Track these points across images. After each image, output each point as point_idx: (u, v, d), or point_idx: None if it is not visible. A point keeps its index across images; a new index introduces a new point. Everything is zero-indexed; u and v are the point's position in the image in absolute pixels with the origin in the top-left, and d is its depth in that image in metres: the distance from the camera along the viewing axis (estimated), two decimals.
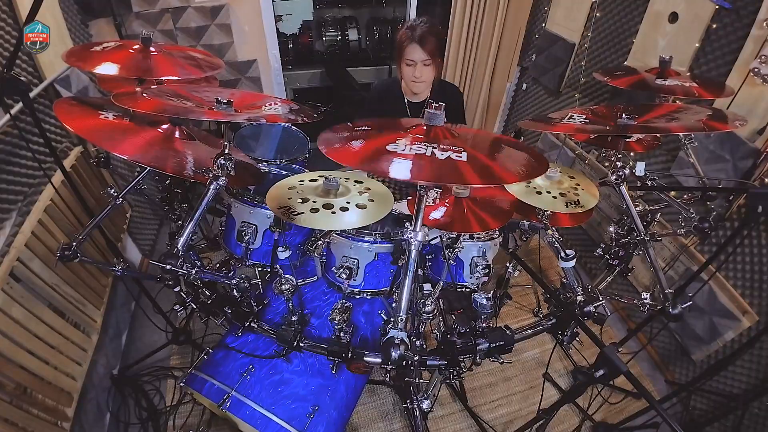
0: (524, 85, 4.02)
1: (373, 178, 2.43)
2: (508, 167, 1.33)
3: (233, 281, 1.79)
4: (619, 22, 2.87)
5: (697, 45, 2.34)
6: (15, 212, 1.96)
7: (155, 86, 1.74)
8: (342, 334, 1.70)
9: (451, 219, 1.78)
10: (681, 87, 1.94)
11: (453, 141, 1.35)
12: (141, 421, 2.38)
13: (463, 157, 1.24)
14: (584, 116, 1.74)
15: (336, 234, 1.82)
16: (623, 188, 1.70)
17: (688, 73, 2.15)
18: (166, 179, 2.16)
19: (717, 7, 2.20)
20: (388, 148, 1.27)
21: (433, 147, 1.28)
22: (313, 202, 1.55)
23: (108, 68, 1.69)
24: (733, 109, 2.14)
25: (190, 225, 1.47)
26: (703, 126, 1.55)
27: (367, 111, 2.63)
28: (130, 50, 1.81)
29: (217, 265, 2.01)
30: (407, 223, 1.32)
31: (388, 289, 1.91)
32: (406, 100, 2.52)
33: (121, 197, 1.81)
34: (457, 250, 1.85)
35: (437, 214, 1.80)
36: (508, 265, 2.20)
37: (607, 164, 1.87)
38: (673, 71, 2.06)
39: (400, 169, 1.18)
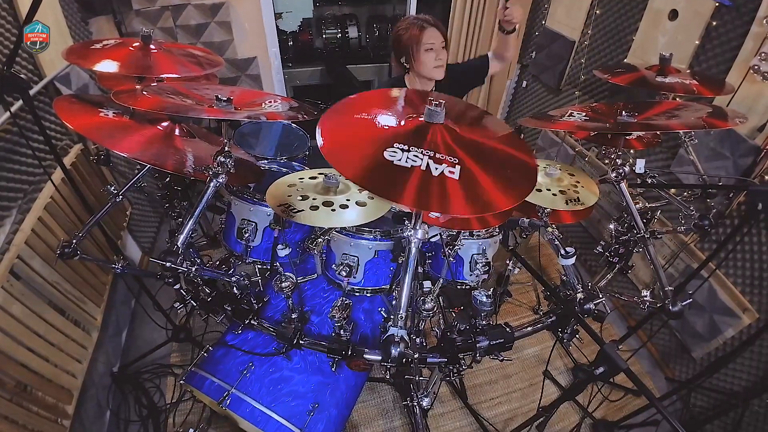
0: (524, 83, 4.01)
1: None
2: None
3: (233, 279, 1.79)
4: (619, 20, 2.87)
5: (697, 42, 2.33)
6: (15, 210, 1.96)
7: (155, 84, 1.74)
8: (342, 332, 1.70)
9: (451, 217, 1.78)
10: (681, 84, 1.94)
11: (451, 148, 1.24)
12: (141, 418, 2.39)
13: (456, 173, 1.15)
14: (584, 113, 1.74)
15: (336, 231, 1.82)
16: (623, 185, 1.69)
17: (688, 71, 2.14)
18: (166, 177, 2.16)
19: (717, 4, 2.20)
20: (385, 155, 1.16)
21: (429, 156, 1.17)
22: (313, 199, 1.55)
23: (108, 66, 1.69)
24: (733, 107, 2.14)
25: (190, 222, 1.47)
26: (703, 123, 1.55)
27: None
28: (130, 48, 1.81)
29: (217, 263, 2.01)
30: (407, 221, 1.32)
31: (388, 286, 1.91)
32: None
33: (121, 195, 1.81)
34: (457, 247, 1.85)
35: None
36: (508, 262, 2.20)
37: (607, 161, 1.86)
38: (673, 68, 2.06)
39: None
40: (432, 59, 2.35)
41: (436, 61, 2.36)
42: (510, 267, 2.20)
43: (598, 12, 3.00)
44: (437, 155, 1.19)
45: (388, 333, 1.22)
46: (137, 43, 1.83)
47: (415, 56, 2.38)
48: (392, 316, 1.26)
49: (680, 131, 1.97)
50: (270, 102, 1.70)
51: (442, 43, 2.34)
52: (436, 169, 1.15)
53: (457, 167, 1.16)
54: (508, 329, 1.69)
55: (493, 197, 1.15)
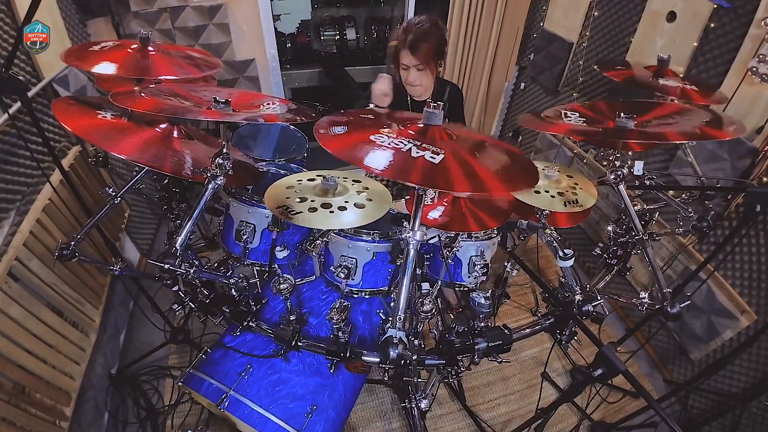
0: (522, 85, 4.02)
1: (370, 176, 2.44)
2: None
3: (231, 280, 1.79)
4: (617, 21, 2.87)
5: (695, 44, 2.34)
6: (13, 211, 1.95)
7: (153, 85, 1.74)
8: (340, 334, 1.70)
9: (449, 218, 1.78)
10: (675, 87, 1.94)
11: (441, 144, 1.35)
12: (139, 420, 2.38)
13: (437, 159, 1.24)
14: (578, 113, 1.73)
15: (334, 233, 1.82)
16: (621, 187, 1.70)
17: (681, 75, 2.14)
18: (164, 179, 2.16)
19: (715, 6, 2.21)
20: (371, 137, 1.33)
21: (414, 144, 1.30)
22: (312, 201, 1.55)
23: (106, 68, 1.69)
24: (730, 109, 2.15)
25: (188, 224, 1.47)
26: (698, 133, 1.53)
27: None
28: (129, 50, 1.81)
29: (216, 265, 2.01)
30: (405, 223, 1.32)
31: (387, 288, 1.91)
32: (409, 98, 2.51)
33: (120, 197, 1.80)
34: (455, 249, 1.85)
35: (435, 213, 1.80)
36: (506, 264, 2.20)
37: (605, 163, 1.86)
38: (670, 71, 2.06)
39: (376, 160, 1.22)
40: (404, 78, 2.36)
41: (407, 81, 2.36)
42: (508, 269, 2.20)
43: (596, 14, 3.01)
44: (423, 144, 1.30)
45: (387, 335, 1.23)
46: (135, 45, 1.83)
47: (396, 68, 2.40)
48: (390, 318, 1.26)
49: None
50: (268, 104, 1.70)
51: (417, 66, 2.28)
52: (417, 153, 1.26)
53: (440, 155, 1.25)
54: (506, 331, 1.69)
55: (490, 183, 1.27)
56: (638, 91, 2.20)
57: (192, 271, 1.50)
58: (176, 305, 1.96)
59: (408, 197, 2.08)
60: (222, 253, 2.05)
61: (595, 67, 2.16)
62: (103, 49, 1.79)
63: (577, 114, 1.73)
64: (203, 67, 1.95)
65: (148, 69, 1.77)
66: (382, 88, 2.31)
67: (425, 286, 1.69)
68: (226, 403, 1.78)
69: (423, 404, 2.16)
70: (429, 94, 2.49)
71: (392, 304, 1.86)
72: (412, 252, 1.29)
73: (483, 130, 4.47)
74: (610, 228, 2.19)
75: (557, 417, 2.50)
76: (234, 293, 1.84)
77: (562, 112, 1.76)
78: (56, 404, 1.94)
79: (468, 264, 1.94)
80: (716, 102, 1.99)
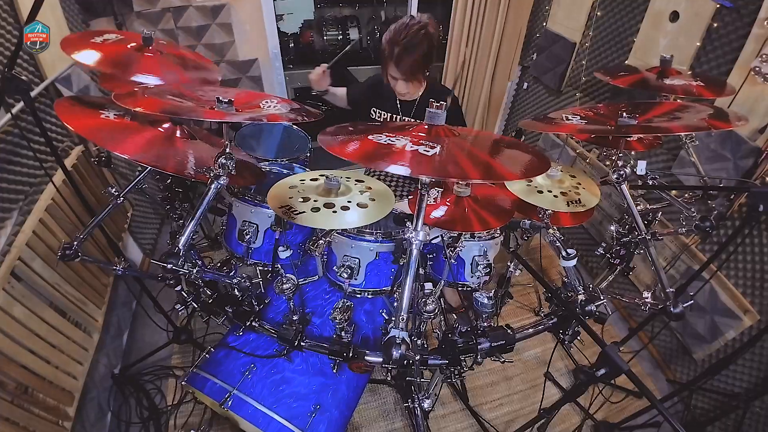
0: (525, 84, 4.01)
1: (370, 174, 2.43)
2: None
3: (234, 280, 1.79)
4: (620, 21, 2.87)
5: (698, 44, 2.33)
6: (16, 211, 1.96)
7: (154, 86, 1.74)
8: (343, 334, 1.70)
9: (452, 218, 1.78)
10: (682, 86, 1.94)
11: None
12: (142, 420, 2.38)
13: (432, 152, 1.28)
14: (579, 116, 1.73)
15: (337, 233, 1.82)
16: (624, 187, 1.69)
17: (689, 72, 2.14)
18: (167, 178, 2.15)
19: (718, 5, 2.20)
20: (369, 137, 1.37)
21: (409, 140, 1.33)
22: (314, 201, 1.55)
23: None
24: (734, 108, 2.14)
25: (191, 224, 1.47)
26: (705, 124, 1.54)
27: (358, 90, 2.66)
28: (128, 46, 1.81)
29: (219, 265, 2.01)
30: (408, 223, 1.32)
31: (390, 288, 1.91)
32: (398, 98, 2.50)
33: (122, 196, 1.81)
34: (458, 249, 1.85)
35: (438, 213, 1.80)
36: (509, 264, 2.20)
37: (608, 163, 1.86)
38: (674, 70, 2.06)
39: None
40: (394, 85, 2.38)
41: (398, 90, 2.39)
42: (511, 269, 2.20)
43: (599, 14, 3.00)
44: (418, 140, 1.34)
45: (390, 335, 1.22)
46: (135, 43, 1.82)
47: (384, 72, 2.39)
48: (393, 318, 1.25)
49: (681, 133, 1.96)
50: (269, 103, 1.70)
51: (403, 78, 2.30)
52: (412, 146, 1.29)
53: (436, 148, 1.29)
54: (509, 331, 1.69)
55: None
56: (642, 91, 2.20)
57: (195, 270, 1.51)
58: (179, 305, 1.96)
59: (411, 197, 2.08)
60: (225, 253, 2.05)
61: (606, 79, 2.14)
62: (105, 42, 1.79)
63: (579, 116, 1.73)
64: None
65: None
66: (316, 73, 2.47)
67: (428, 286, 1.69)
68: (230, 402, 1.79)
69: (426, 404, 2.15)
70: (418, 94, 2.47)
71: (395, 303, 1.87)
72: (415, 252, 1.29)
73: (486, 129, 4.48)
74: (612, 228, 2.18)
75: (560, 417, 2.50)
76: (237, 293, 1.84)
77: (564, 116, 1.76)
78: (59, 404, 1.95)
79: (471, 264, 1.94)
80: (728, 95, 1.99)
